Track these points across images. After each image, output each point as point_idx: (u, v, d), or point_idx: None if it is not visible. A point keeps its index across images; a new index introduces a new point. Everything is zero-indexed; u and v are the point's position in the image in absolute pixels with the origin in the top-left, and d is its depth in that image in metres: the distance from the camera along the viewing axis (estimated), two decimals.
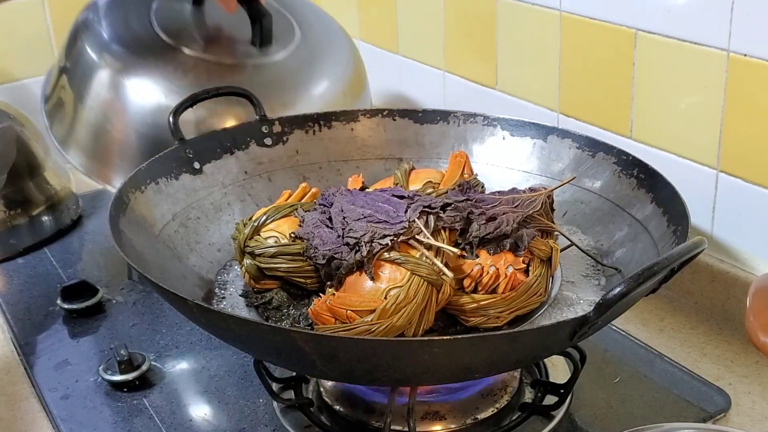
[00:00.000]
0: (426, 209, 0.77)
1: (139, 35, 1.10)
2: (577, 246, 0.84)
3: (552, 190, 0.82)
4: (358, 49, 1.24)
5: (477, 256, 0.76)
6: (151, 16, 1.12)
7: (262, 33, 1.11)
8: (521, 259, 0.76)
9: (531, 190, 0.82)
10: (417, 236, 0.75)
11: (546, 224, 0.79)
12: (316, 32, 1.19)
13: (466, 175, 0.89)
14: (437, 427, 0.76)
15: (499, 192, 0.82)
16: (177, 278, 0.81)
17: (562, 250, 0.82)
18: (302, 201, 0.87)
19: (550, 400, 0.79)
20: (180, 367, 0.89)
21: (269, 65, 1.11)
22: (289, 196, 0.88)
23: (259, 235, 0.82)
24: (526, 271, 0.77)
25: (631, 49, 0.95)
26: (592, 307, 0.62)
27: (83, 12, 1.15)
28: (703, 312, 0.94)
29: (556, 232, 0.81)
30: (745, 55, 0.84)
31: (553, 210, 0.82)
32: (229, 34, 1.14)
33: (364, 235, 0.74)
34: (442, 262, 0.74)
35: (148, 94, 1.05)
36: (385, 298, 0.71)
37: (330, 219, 0.79)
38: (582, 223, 0.89)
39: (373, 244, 0.73)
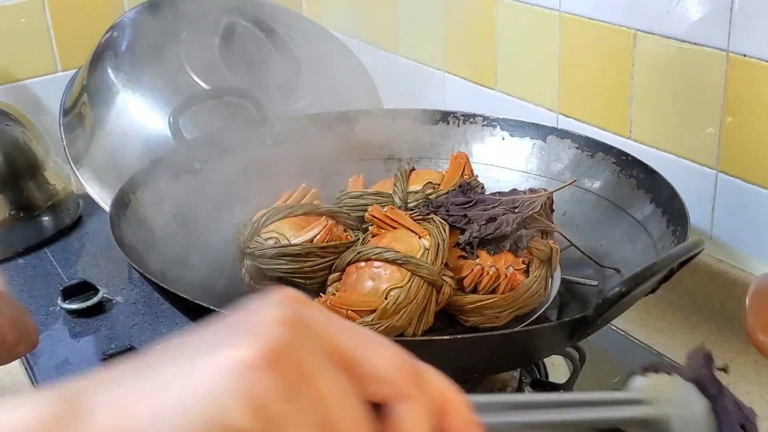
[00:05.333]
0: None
1: (164, 65, 1.09)
2: (576, 247, 0.85)
3: (552, 192, 0.82)
4: (377, 91, 1.24)
5: (477, 257, 0.76)
6: (179, 47, 1.11)
7: (289, 78, 1.10)
8: (521, 259, 0.76)
9: (531, 191, 0.82)
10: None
11: (546, 225, 0.79)
12: (341, 77, 1.18)
13: (466, 176, 0.89)
14: None
15: (499, 193, 0.82)
16: (177, 278, 0.81)
17: (562, 251, 0.82)
18: (302, 201, 0.87)
19: None
20: None
21: (290, 113, 1.09)
22: (289, 196, 0.88)
23: (259, 236, 0.82)
24: (526, 272, 0.77)
25: (631, 50, 0.95)
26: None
27: (110, 30, 1.14)
28: (703, 312, 0.94)
29: (555, 233, 0.81)
30: (745, 55, 0.84)
31: (552, 210, 0.82)
32: (255, 73, 1.13)
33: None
34: (442, 263, 0.74)
35: (166, 127, 1.03)
36: (386, 298, 0.71)
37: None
38: (581, 223, 0.89)
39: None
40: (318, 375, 0.31)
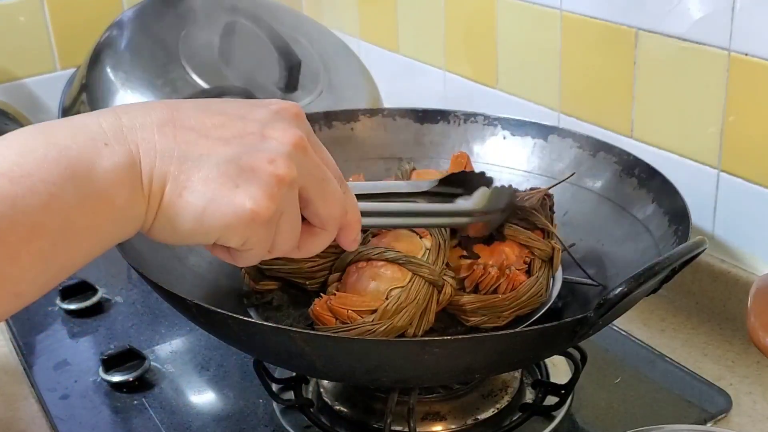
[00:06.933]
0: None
1: (164, 64, 1.09)
2: (568, 252, 0.83)
3: (550, 188, 0.81)
4: (377, 91, 1.24)
5: (478, 256, 0.76)
6: (179, 45, 1.10)
7: (289, 78, 1.09)
8: (522, 259, 0.76)
9: (532, 189, 0.82)
10: None
11: (542, 222, 0.79)
12: (341, 76, 1.18)
13: None
14: (438, 427, 0.76)
15: None
16: (177, 278, 0.81)
17: (563, 251, 0.82)
18: None
19: (550, 400, 0.79)
20: (179, 367, 0.88)
21: None
22: None
23: None
24: (528, 272, 0.77)
25: (632, 49, 0.95)
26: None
27: (109, 29, 1.14)
28: (704, 312, 0.94)
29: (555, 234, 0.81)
30: (746, 54, 0.84)
31: (553, 212, 0.82)
32: (255, 72, 1.12)
33: None
34: (443, 263, 0.74)
35: None
36: (387, 298, 0.71)
37: None
38: (583, 223, 0.88)
39: None
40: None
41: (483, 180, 0.76)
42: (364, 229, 0.82)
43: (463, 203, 0.73)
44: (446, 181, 0.75)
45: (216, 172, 0.48)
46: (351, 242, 0.57)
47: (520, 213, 0.78)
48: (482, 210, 0.73)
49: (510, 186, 0.76)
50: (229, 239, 0.50)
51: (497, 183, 0.91)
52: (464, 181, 0.77)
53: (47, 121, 0.48)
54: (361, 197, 0.60)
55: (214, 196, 0.48)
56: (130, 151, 0.46)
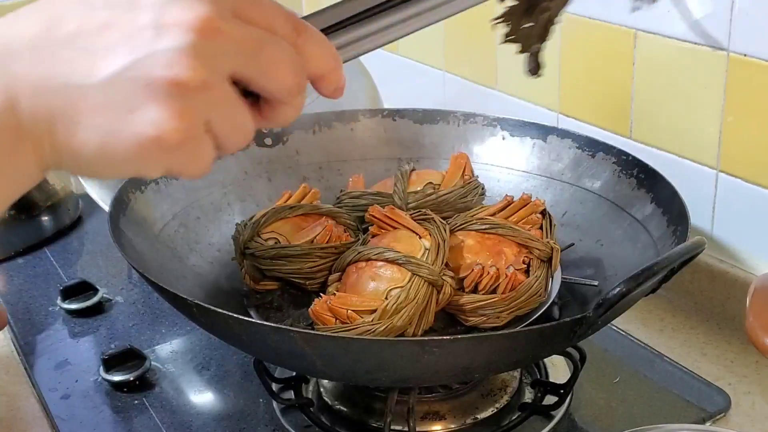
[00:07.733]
0: None
1: None
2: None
3: None
4: (377, 91, 1.24)
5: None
6: None
7: None
8: (521, 259, 0.76)
9: None
10: None
11: None
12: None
13: (466, 177, 0.89)
14: (437, 427, 0.76)
15: None
16: (177, 278, 0.81)
17: (562, 250, 0.82)
18: (302, 201, 0.87)
19: (549, 400, 0.79)
20: (180, 367, 0.88)
21: None
22: (290, 196, 0.88)
23: (259, 236, 0.82)
24: (527, 272, 0.77)
25: (631, 49, 0.95)
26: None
27: None
28: (703, 312, 0.94)
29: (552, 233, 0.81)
30: (745, 55, 0.84)
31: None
32: None
33: None
34: (443, 263, 0.74)
35: None
36: (386, 298, 0.71)
37: None
38: (582, 223, 0.89)
39: None
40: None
41: None
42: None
43: None
44: None
45: (103, 97, 0.38)
46: (332, 92, 0.45)
47: None
48: None
49: None
50: (147, 172, 0.40)
51: (496, 180, 0.91)
52: None
53: None
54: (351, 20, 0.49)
55: (110, 129, 0.38)
56: (2, 92, 0.38)
